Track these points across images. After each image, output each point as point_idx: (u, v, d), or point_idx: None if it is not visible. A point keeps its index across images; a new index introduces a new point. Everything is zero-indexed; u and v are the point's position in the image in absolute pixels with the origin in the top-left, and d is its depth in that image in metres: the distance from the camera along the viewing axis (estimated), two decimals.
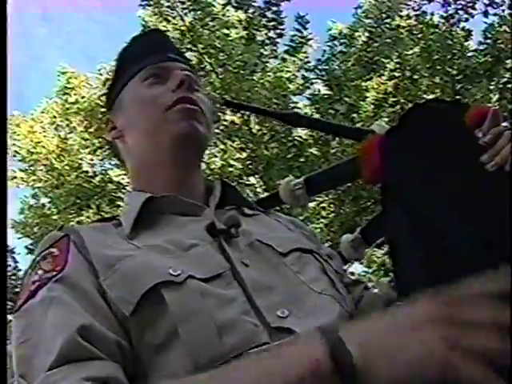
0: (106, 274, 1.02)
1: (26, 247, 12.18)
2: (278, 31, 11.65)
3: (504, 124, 1.10)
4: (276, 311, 1.00)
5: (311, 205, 10.79)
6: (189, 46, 10.96)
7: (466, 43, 10.78)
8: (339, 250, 1.33)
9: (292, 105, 11.13)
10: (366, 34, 11.12)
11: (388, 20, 11.12)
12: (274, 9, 11.59)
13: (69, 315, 0.95)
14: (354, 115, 10.79)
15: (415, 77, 10.91)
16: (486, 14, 10.57)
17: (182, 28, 11.07)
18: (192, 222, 1.16)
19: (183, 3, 11.18)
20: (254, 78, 10.87)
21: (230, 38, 11.01)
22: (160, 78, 1.29)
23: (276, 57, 11.67)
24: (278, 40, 11.70)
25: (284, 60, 11.50)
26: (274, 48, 11.71)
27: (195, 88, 1.30)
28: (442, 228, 1.03)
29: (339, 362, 0.72)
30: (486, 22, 10.62)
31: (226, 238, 1.12)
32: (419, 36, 10.77)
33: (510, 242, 0.95)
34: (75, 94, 12.18)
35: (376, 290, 1.36)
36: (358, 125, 10.50)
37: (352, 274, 11.82)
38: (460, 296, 0.73)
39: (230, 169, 10.77)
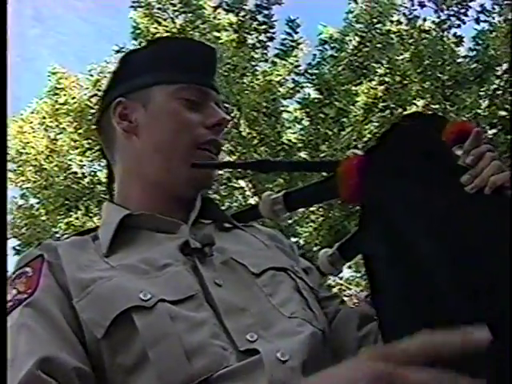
0: (79, 295, 1.03)
1: (14, 248, 12.14)
2: (269, 35, 11.68)
3: (485, 145, 1.09)
4: (245, 335, 1.00)
5: (300, 210, 10.80)
6: None
7: (456, 49, 10.82)
8: (317, 264, 1.33)
9: (282, 108, 11.16)
10: (357, 38, 11.14)
11: (379, 25, 11.15)
12: (265, 12, 11.62)
13: (33, 346, 0.95)
14: (344, 120, 10.81)
15: (405, 82, 10.94)
16: (477, 20, 10.62)
17: (173, 30, 11.07)
18: (167, 239, 1.16)
19: (174, 5, 11.19)
20: (244, 81, 10.88)
21: (220, 41, 11.02)
22: (197, 105, 1.25)
23: (266, 60, 11.69)
24: (268, 43, 11.74)
25: (274, 64, 11.52)
26: (265, 51, 11.73)
27: (224, 130, 1.29)
28: (419, 253, 1.03)
29: None
30: (476, 29, 10.69)
31: (200, 257, 1.12)
32: (410, 41, 10.80)
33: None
34: (65, 95, 12.15)
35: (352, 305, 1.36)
36: (348, 129, 10.53)
37: (340, 278, 11.85)
38: (399, 355, 0.70)
39: (220, 172, 10.77)
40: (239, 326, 1.01)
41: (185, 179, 1.23)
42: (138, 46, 1.45)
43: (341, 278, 11.78)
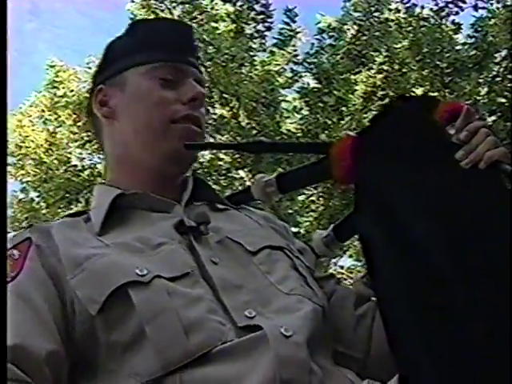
0: (73, 272, 1.03)
1: None
2: (267, 24, 11.61)
3: (479, 121, 1.09)
4: (244, 311, 1.00)
5: (300, 198, 10.81)
6: None
7: (455, 36, 10.78)
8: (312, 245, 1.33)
9: (281, 98, 11.13)
10: (355, 27, 11.10)
11: (377, 13, 11.10)
12: (263, 2, 11.55)
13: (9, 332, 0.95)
14: (343, 108, 10.79)
15: (404, 70, 10.90)
16: (475, 7, 10.58)
17: None
18: (162, 218, 1.16)
19: None
20: (243, 71, 10.86)
21: (218, 32, 10.97)
22: (173, 82, 1.26)
23: (264, 50, 11.63)
24: (266, 33, 11.67)
25: (272, 53, 11.47)
26: (263, 41, 11.67)
27: (203, 105, 1.29)
28: (414, 233, 1.02)
29: None
30: (475, 16, 10.64)
31: (196, 236, 1.12)
32: (408, 29, 10.76)
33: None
34: (64, 88, 12.11)
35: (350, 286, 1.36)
36: (347, 118, 10.52)
37: (341, 267, 11.86)
38: None
39: (219, 162, 10.76)
40: (237, 302, 1.01)
41: (164, 155, 1.24)
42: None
43: (342, 267, 11.80)
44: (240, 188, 10.36)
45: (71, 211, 9.74)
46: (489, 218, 0.98)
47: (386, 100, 10.61)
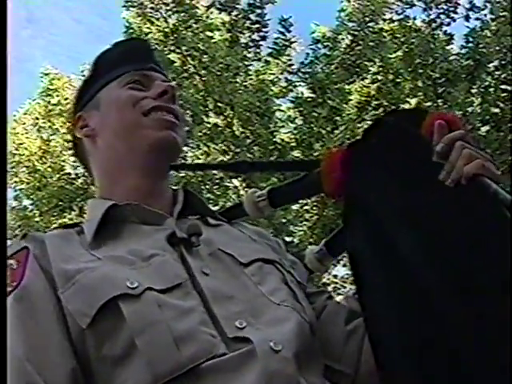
0: (64, 286, 1.03)
1: None
2: (262, 34, 11.67)
3: (456, 133, 1.05)
4: (234, 322, 1.00)
5: (294, 207, 10.79)
6: (172, 48, 10.95)
7: (447, 47, 10.83)
8: (304, 262, 1.33)
9: (275, 107, 11.14)
10: (350, 37, 11.14)
11: (371, 23, 11.15)
12: (258, 11, 11.60)
13: (16, 343, 0.97)
14: (337, 118, 10.81)
15: (398, 80, 10.94)
16: (467, 18, 10.64)
17: (166, 30, 11.05)
18: (154, 231, 1.16)
19: (167, 5, 11.16)
20: (237, 80, 10.87)
21: (213, 41, 11.00)
22: (142, 85, 1.31)
23: (259, 59, 11.67)
24: (261, 42, 11.73)
25: (267, 63, 11.50)
26: (258, 51, 11.72)
27: (176, 100, 1.32)
28: (401, 250, 1.03)
29: None
30: (467, 27, 10.70)
31: (187, 247, 1.12)
32: (402, 40, 10.81)
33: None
34: (58, 96, 12.12)
35: (341, 301, 1.36)
36: (341, 128, 10.53)
37: (335, 276, 11.84)
38: None
39: (214, 171, 10.75)
40: (228, 313, 1.02)
41: (144, 147, 1.25)
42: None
43: (335, 277, 11.78)
44: (234, 197, 10.36)
45: (64, 219, 9.68)
46: (477, 234, 0.98)
47: (380, 110, 10.64)
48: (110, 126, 1.29)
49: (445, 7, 10.72)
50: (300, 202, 10.46)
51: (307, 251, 1.32)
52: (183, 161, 11.24)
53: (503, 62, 10.25)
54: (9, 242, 1.16)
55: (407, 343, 1.02)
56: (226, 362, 0.95)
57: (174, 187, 1.35)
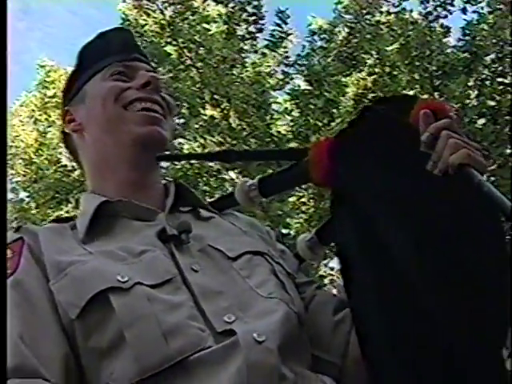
0: (56, 277, 1.05)
1: None
2: (258, 26, 11.64)
3: (442, 121, 1.04)
4: (223, 316, 1.01)
5: (291, 200, 10.80)
6: (169, 40, 10.92)
7: (444, 40, 10.81)
8: (295, 251, 1.33)
9: (271, 100, 11.13)
10: (346, 29, 11.13)
11: (368, 16, 11.13)
12: (255, 3, 11.57)
13: (12, 327, 0.98)
14: (334, 110, 10.81)
15: (395, 73, 10.93)
16: (464, 11, 10.63)
17: (162, 22, 11.02)
18: (145, 227, 1.17)
19: None
20: (234, 72, 10.86)
21: (209, 33, 10.97)
22: (125, 76, 1.31)
23: (256, 51, 11.65)
24: (258, 35, 11.69)
25: (264, 55, 11.48)
26: (254, 43, 11.69)
27: (159, 90, 1.31)
28: (388, 240, 1.03)
29: None
30: (465, 19, 10.69)
31: (177, 244, 1.13)
32: (399, 32, 10.79)
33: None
34: (54, 88, 12.08)
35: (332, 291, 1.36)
36: (338, 120, 10.53)
37: (332, 268, 11.86)
38: None
39: (210, 163, 10.75)
40: (216, 308, 1.03)
41: (130, 142, 1.25)
42: None
43: (332, 269, 11.80)
44: (230, 189, 10.36)
45: (61, 211, 9.67)
46: (463, 226, 0.98)
47: None
48: (95, 120, 1.29)
49: (441, 0, 10.72)
50: (297, 193, 10.48)
51: (298, 239, 1.32)
52: (179, 153, 11.29)
53: (500, 55, 10.25)
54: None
55: (392, 337, 1.02)
56: (211, 353, 0.96)
57: (170, 179, 1.35)
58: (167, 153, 1.30)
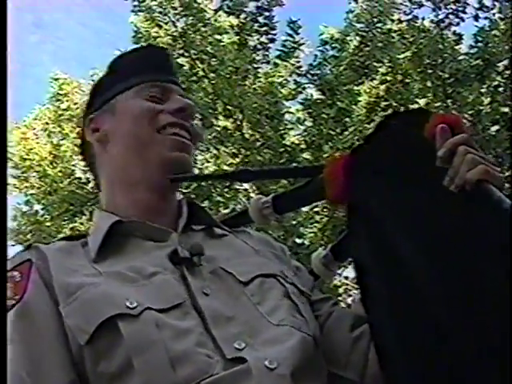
0: (65, 301, 1.04)
1: None
2: (270, 36, 11.66)
3: (458, 137, 1.03)
4: (233, 343, 1.00)
5: (304, 209, 10.78)
6: (181, 52, 10.96)
7: (456, 47, 10.79)
8: (310, 267, 1.32)
9: (284, 110, 11.14)
10: (358, 38, 11.12)
11: (379, 24, 11.12)
12: (266, 14, 11.61)
13: (16, 358, 0.98)
14: (347, 119, 10.80)
15: (407, 81, 10.91)
16: (476, 18, 10.60)
17: (174, 34, 11.07)
18: (157, 248, 1.16)
19: (175, 9, 11.18)
20: (246, 83, 10.88)
21: (222, 44, 11.01)
22: (159, 98, 1.30)
23: (268, 62, 11.66)
24: (269, 45, 11.72)
25: (276, 65, 11.49)
26: (266, 53, 11.71)
27: (192, 117, 1.31)
28: (404, 257, 1.02)
29: None
30: (476, 26, 10.66)
31: (189, 267, 1.12)
32: (411, 40, 10.78)
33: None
34: (67, 101, 12.15)
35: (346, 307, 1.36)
36: (351, 129, 10.51)
37: (346, 277, 11.82)
38: None
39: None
40: (226, 334, 1.02)
41: (153, 165, 1.25)
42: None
43: (346, 278, 11.76)
44: (244, 199, 10.36)
45: (75, 224, 9.70)
46: (480, 243, 0.97)
47: (389, 111, 10.61)
48: (123, 136, 1.28)
49: (453, 7, 10.69)
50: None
51: (313, 256, 1.31)
52: (192, 164, 11.26)
53: None
54: (20, 247, 1.17)
55: (410, 352, 1.02)
56: (220, 380, 0.95)
57: (185, 190, 1.35)
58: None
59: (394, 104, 10.74)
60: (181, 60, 10.89)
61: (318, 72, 11.28)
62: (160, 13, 11.27)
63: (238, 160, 10.77)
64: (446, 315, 0.96)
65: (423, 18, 10.89)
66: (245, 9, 11.66)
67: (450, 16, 10.70)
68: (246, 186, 10.73)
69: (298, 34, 11.42)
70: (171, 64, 1.42)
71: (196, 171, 11.44)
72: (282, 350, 1.01)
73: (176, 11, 11.19)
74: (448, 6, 10.67)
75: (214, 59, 10.80)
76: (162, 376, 0.94)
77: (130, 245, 1.17)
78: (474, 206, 0.98)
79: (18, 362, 0.98)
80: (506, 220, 0.91)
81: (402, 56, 10.82)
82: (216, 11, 11.47)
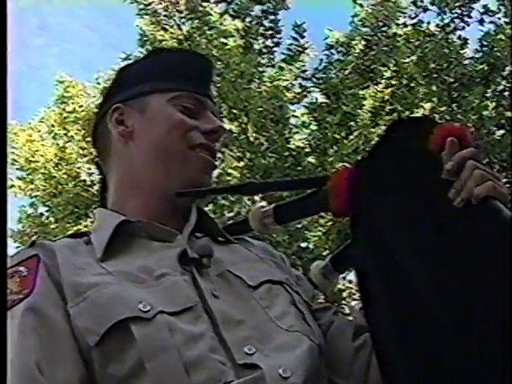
0: (74, 300, 1.03)
1: None
2: (275, 40, 11.66)
3: (467, 151, 1.03)
4: (243, 347, 1.00)
5: None
6: None
7: (462, 51, 10.77)
8: (309, 276, 1.33)
9: (289, 113, 11.14)
10: (363, 42, 11.11)
11: (385, 28, 11.11)
12: (272, 18, 11.61)
13: (28, 352, 0.97)
14: (352, 123, 10.79)
15: (412, 85, 10.90)
16: (481, 22, 10.59)
17: (180, 37, 11.08)
18: (164, 248, 1.16)
19: (181, 12, 11.20)
20: (252, 86, 10.87)
21: (227, 47, 11.01)
22: (192, 111, 1.27)
23: (273, 65, 11.66)
24: (275, 49, 11.72)
25: (281, 69, 11.49)
26: (272, 57, 11.71)
27: (220, 139, 1.30)
28: (407, 270, 1.03)
29: None
30: (482, 30, 10.65)
31: (198, 268, 1.12)
32: (416, 44, 10.77)
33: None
34: (73, 103, 12.16)
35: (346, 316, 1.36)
36: (356, 133, 10.51)
37: (350, 281, 11.81)
38: None
39: (228, 177, 10.76)
40: (237, 337, 1.02)
41: (183, 182, 1.23)
42: (144, 54, 1.48)
43: (350, 282, 11.75)
44: (249, 203, 10.36)
45: (80, 226, 9.73)
46: (483, 256, 0.98)
47: (394, 115, 10.60)
48: (151, 142, 1.25)
49: (459, 11, 10.68)
50: None
51: (312, 266, 1.31)
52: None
53: None
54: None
55: (412, 362, 1.02)
56: None
57: None
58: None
59: (399, 108, 10.73)
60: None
61: (323, 76, 11.27)
62: (165, 16, 11.28)
63: (242, 163, 10.78)
64: (448, 324, 0.97)
65: (428, 23, 10.89)
66: (250, 12, 11.66)
67: (456, 20, 10.70)
68: None
69: (303, 37, 11.43)
70: (211, 76, 1.38)
71: None
72: (294, 358, 1.02)
73: (181, 14, 11.21)
74: (453, 11, 10.66)
75: (219, 62, 10.79)
76: (175, 381, 0.94)
77: (135, 244, 1.17)
78: (482, 221, 0.99)
79: (30, 351, 0.97)
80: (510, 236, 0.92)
81: (407, 60, 10.81)
82: (221, 15, 11.48)
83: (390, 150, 1.17)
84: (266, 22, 11.65)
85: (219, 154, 10.79)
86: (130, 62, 1.40)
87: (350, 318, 1.33)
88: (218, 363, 0.97)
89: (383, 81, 11.02)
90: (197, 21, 11.11)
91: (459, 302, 0.97)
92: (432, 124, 1.14)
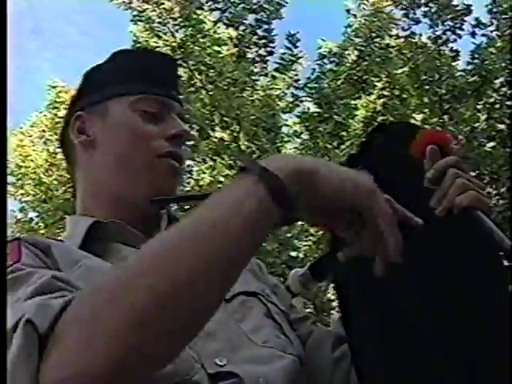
0: (71, 267, 1.00)
1: None
2: (269, 49, 11.73)
3: (448, 159, 1.01)
4: (214, 359, 0.98)
5: (300, 222, 10.73)
6: (179, 63, 10.98)
7: (453, 63, 10.85)
8: (287, 284, 1.31)
9: (281, 122, 11.17)
10: (356, 52, 11.17)
11: (377, 39, 11.18)
12: (265, 27, 11.66)
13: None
14: (343, 133, 10.82)
15: (404, 96, 10.96)
16: (473, 34, 10.67)
17: (173, 44, 11.11)
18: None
19: (174, 19, 11.22)
20: (244, 95, 10.90)
21: (220, 55, 11.05)
22: (153, 114, 1.21)
23: (266, 74, 11.72)
24: (268, 58, 11.78)
25: (274, 78, 11.54)
26: (264, 66, 11.77)
27: (185, 143, 1.25)
28: (388, 280, 1.02)
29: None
30: (473, 43, 10.73)
31: None
32: (408, 56, 10.83)
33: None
34: (65, 109, 12.10)
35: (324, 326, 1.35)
36: (347, 143, 10.54)
37: None
38: None
39: (219, 185, 10.76)
40: (207, 349, 0.98)
41: (149, 190, 1.19)
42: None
43: None
44: None
45: None
46: (465, 265, 0.97)
47: None
48: (115, 150, 1.21)
49: (451, 24, 10.76)
50: None
51: (291, 273, 1.29)
52: (189, 175, 11.28)
53: (509, 79, 10.25)
54: None
55: (390, 373, 1.02)
56: None
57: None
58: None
59: (391, 119, 10.77)
60: (179, 70, 10.92)
61: (316, 85, 11.32)
62: (159, 23, 11.31)
63: (234, 172, 10.77)
64: (427, 334, 0.96)
65: (421, 34, 10.99)
66: (244, 21, 11.72)
67: (448, 32, 10.79)
68: None
69: (296, 47, 11.49)
70: (175, 76, 1.32)
71: (192, 182, 11.40)
72: (270, 370, 1.00)
73: (175, 22, 11.23)
74: (445, 23, 10.75)
75: (212, 70, 10.83)
76: None
77: (108, 249, 1.12)
78: (463, 232, 0.98)
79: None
80: (497, 249, 0.92)
81: (399, 71, 10.87)
82: (215, 23, 11.52)
83: (371, 158, 1.16)
84: (259, 31, 11.71)
85: (211, 162, 10.81)
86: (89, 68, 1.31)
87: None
88: (190, 357, 0.94)
89: (375, 91, 11.07)
90: (190, 28, 11.14)
91: (438, 320, 0.96)
92: (414, 128, 1.12)
